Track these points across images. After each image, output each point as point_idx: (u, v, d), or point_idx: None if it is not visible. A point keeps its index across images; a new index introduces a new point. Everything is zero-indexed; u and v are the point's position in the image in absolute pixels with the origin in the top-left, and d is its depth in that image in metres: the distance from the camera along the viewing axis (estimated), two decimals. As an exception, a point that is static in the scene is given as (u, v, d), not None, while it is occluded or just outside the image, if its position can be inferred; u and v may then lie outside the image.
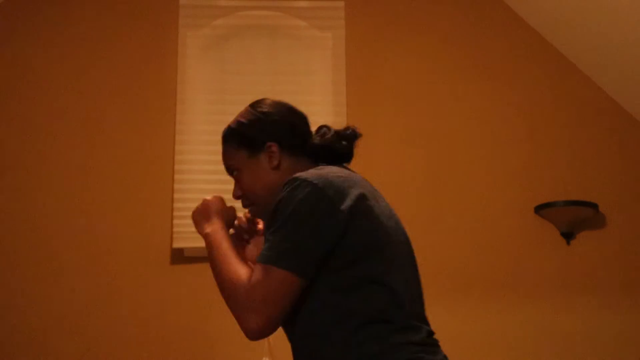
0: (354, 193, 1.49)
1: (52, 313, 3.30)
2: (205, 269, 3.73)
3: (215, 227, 1.65)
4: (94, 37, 3.60)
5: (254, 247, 1.74)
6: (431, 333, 1.61)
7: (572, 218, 3.45)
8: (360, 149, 3.93)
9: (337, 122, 3.55)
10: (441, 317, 3.38)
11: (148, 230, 3.41)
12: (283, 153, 1.66)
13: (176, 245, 3.37)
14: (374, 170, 3.54)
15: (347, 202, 1.47)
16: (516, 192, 3.56)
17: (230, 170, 1.73)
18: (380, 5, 3.75)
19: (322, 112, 3.58)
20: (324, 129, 1.73)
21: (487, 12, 3.76)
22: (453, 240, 3.48)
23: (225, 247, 1.58)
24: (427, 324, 1.66)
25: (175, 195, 3.42)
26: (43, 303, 3.30)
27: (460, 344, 3.38)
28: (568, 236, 3.50)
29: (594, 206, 3.46)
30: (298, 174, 1.52)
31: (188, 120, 3.50)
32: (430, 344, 1.57)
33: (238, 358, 3.27)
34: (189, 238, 3.36)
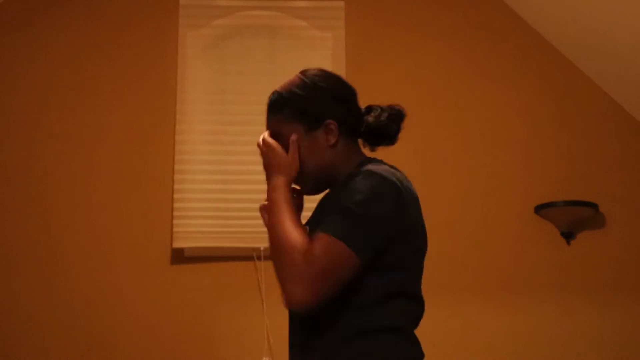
0: (414, 208, 1.61)
1: (52, 313, 3.30)
2: (205, 268, 3.76)
3: (283, 182, 1.57)
4: (94, 37, 3.60)
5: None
6: None
7: (572, 218, 3.45)
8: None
9: (337, 122, 3.56)
10: (441, 317, 3.39)
11: (148, 230, 3.41)
12: (340, 132, 1.62)
13: (176, 245, 3.37)
14: (374, 170, 3.54)
15: (411, 216, 1.58)
16: (516, 192, 3.56)
17: (277, 137, 1.63)
18: (380, 5, 3.75)
19: (322, 112, 3.58)
20: (377, 109, 1.71)
21: (487, 12, 3.77)
22: (453, 240, 3.48)
23: (290, 208, 1.52)
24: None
25: (175, 195, 3.42)
26: (43, 303, 3.31)
27: (460, 344, 3.38)
28: (568, 236, 3.50)
29: (594, 206, 3.46)
30: (376, 169, 1.53)
31: (188, 120, 3.50)
32: None
33: (238, 358, 3.27)
34: (189, 238, 3.36)
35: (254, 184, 3.12)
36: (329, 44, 3.66)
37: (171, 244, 3.39)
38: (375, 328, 1.48)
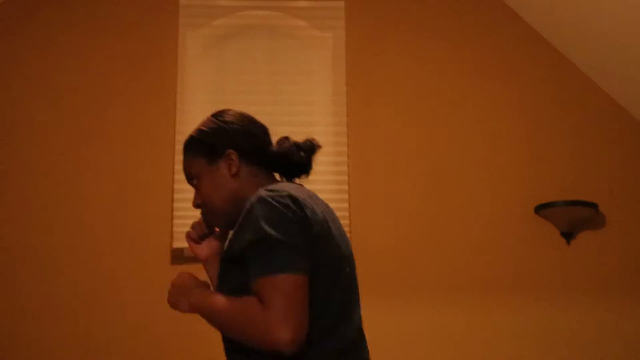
0: (318, 214, 1.50)
1: (52, 313, 3.30)
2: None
3: (197, 293, 1.58)
4: (94, 37, 3.61)
5: (206, 247, 1.79)
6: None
7: (572, 218, 3.45)
8: (360, 148, 3.94)
9: (337, 121, 3.57)
10: (441, 317, 3.39)
11: (148, 230, 3.41)
12: (242, 161, 1.65)
13: (176, 245, 3.37)
14: (373, 169, 3.54)
15: (316, 223, 1.48)
16: (516, 192, 3.56)
17: (190, 178, 1.70)
18: (380, 5, 3.75)
19: (322, 112, 3.59)
20: (284, 139, 1.72)
21: (487, 12, 3.77)
22: (453, 240, 3.48)
23: (220, 298, 1.50)
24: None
25: (175, 195, 3.42)
26: (43, 303, 3.31)
27: (461, 344, 3.39)
28: (568, 236, 3.51)
29: (594, 206, 3.46)
30: (271, 186, 1.51)
31: (188, 120, 3.50)
32: None
33: (238, 358, 3.27)
34: (189, 238, 3.36)
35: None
36: (329, 44, 3.66)
37: (171, 244, 3.39)
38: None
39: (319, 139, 3.87)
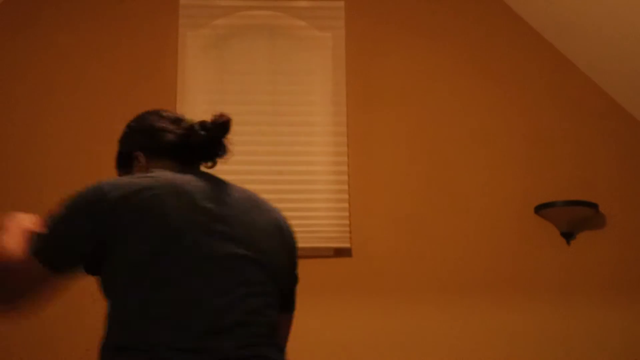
0: (123, 192, 1.40)
1: (51, 313, 3.30)
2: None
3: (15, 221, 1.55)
4: (94, 37, 3.61)
5: None
6: None
7: (572, 218, 3.45)
8: (359, 148, 3.94)
9: (337, 121, 3.57)
10: (441, 316, 3.39)
11: (148, 230, 3.40)
12: (150, 159, 1.61)
13: (176, 245, 3.36)
14: (373, 169, 3.54)
15: (114, 199, 1.39)
16: (516, 192, 3.56)
17: None
18: (380, 5, 3.75)
19: (322, 112, 3.58)
20: (185, 123, 1.62)
21: (487, 12, 3.77)
22: (453, 240, 3.48)
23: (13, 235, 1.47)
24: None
25: (175, 195, 3.41)
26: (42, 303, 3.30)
27: (460, 344, 3.39)
28: (568, 236, 3.50)
29: (594, 206, 3.46)
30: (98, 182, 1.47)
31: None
32: None
33: (238, 358, 3.27)
34: (189, 238, 3.36)
35: (254, 184, 3.11)
36: (329, 44, 3.66)
37: (171, 244, 3.38)
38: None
39: (319, 139, 3.87)
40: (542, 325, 3.41)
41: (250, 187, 3.54)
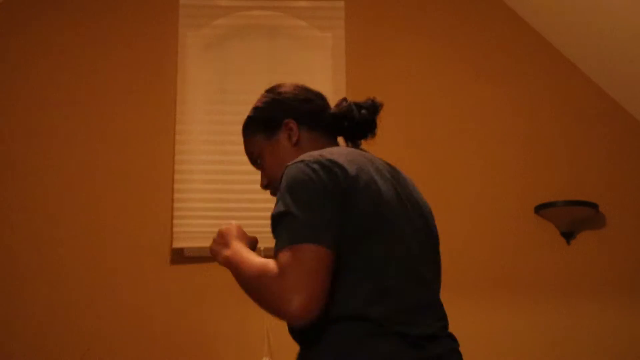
0: (350, 169, 1.40)
1: (52, 313, 3.30)
2: (205, 269, 3.75)
3: (234, 249, 1.51)
4: (94, 37, 3.60)
5: None
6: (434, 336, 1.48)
7: (572, 218, 3.45)
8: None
9: (337, 122, 3.57)
10: (441, 317, 3.39)
11: (148, 230, 3.41)
12: (302, 129, 1.60)
13: (176, 245, 3.37)
14: (374, 170, 3.54)
15: (345, 179, 1.39)
16: (516, 192, 3.56)
17: (253, 160, 1.67)
18: (380, 5, 3.75)
19: (322, 112, 3.59)
20: (343, 100, 1.65)
21: (487, 12, 3.77)
22: (453, 240, 3.47)
23: (249, 258, 1.44)
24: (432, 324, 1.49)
25: (175, 195, 3.42)
26: (43, 302, 3.30)
27: (460, 344, 3.38)
28: (568, 236, 3.50)
29: (594, 206, 3.46)
30: (302, 157, 1.44)
31: (188, 120, 3.50)
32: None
33: (238, 358, 3.27)
34: (189, 238, 3.36)
35: (254, 184, 3.10)
36: (329, 44, 3.66)
37: (171, 244, 3.39)
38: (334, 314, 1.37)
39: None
40: (542, 325, 3.41)
41: (250, 187, 3.55)
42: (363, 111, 1.60)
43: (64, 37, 3.60)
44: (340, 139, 1.67)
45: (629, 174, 3.62)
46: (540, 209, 3.48)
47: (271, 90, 1.69)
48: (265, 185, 1.66)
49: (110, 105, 3.54)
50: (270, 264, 1.35)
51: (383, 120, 4.00)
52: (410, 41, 3.71)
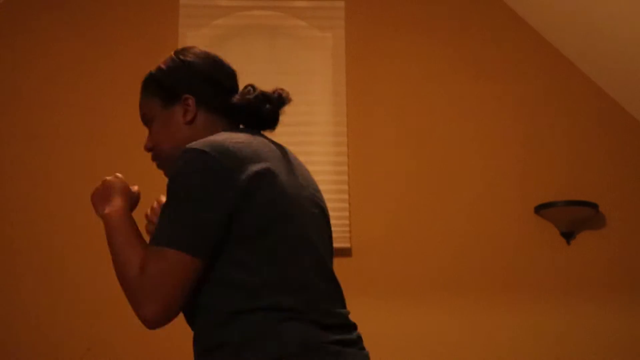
0: (251, 164, 1.35)
1: (52, 312, 3.30)
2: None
3: (115, 207, 1.45)
4: (94, 37, 3.61)
5: None
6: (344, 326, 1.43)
7: (572, 218, 3.45)
8: (359, 148, 3.94)
9: (337, 121, 3.57)
10: (440, 316, 3.39)
11: (148, 230, 3.40)
12: (200, 108, 1.53)
13: (176, 245, 3.36)
14: (373, 169, 3.54)
15: (242, 174, 1.33)
16: (516, 192, 3.56)
17: (145, 119, 1.59)
18: (380, 5, 3.75)
19: (322, 112, 3.59)
20: (249, 87, 1.59)
21: (487, 12, 3.77)
22: (453, 240, 3.48)
23: (125, 230, 1.39)
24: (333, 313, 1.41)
25: (175, 195, 3.42)
26: (43, 302, 3.31)
27: (460, 344, 3.39)
28: (568, 236, 3.51)
29: (594, 206, 3.46)
30: (192, 143, 1.37)
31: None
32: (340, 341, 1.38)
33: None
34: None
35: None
36: (329, 44, 3.67)
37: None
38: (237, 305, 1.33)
39: (319, 139, 3.87)
40: (542, 325, 3.41)
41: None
42: (268, 106, 1.54)
43: (63, 38, 3.60)
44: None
45: (629, 174, 3.62)
46: (540, 209, 3.48)
47: (182, 54, 1.61)
48: (148, 148, 1.59)
49: (110, 105, 3.54)
50: (137, 257, 1.32)
51: (383, 120, 4.03)
52: (410, 41, 3.72)
